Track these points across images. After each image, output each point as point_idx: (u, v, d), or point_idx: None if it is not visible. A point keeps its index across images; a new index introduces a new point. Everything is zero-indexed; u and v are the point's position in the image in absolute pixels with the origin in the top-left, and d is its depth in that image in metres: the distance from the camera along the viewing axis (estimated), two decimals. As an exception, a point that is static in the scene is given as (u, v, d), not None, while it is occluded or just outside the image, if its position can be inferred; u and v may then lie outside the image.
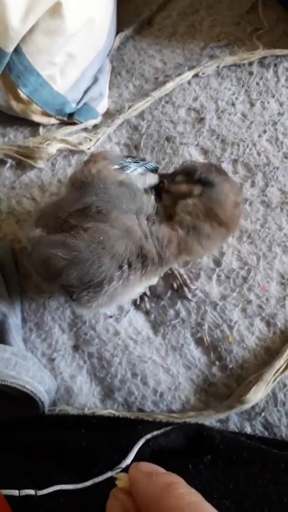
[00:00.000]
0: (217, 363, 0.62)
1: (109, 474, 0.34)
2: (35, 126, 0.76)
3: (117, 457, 0.37)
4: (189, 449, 0.39)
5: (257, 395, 0.58)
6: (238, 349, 0.61)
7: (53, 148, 0.70)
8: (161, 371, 0.63)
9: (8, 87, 0.71)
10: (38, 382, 0.56)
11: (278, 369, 0.58)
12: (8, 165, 0.73)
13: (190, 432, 0.41)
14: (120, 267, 0.46)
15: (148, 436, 0.38)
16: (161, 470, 0.27)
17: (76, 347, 0.65)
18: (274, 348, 0.60)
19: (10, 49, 0.65)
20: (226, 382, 0.61)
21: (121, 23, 0.80)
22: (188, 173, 0.50)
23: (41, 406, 0.59)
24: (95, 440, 0.43)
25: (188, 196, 0.48)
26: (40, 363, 0.62)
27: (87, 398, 0.63)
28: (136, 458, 0.36)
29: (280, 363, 0.58)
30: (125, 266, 0.46)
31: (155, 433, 0.39)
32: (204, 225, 0.46)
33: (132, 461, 0.35)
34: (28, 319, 0.65)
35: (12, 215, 0.70)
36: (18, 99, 0.72)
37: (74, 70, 0.71)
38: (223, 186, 0.48)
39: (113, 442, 0.40)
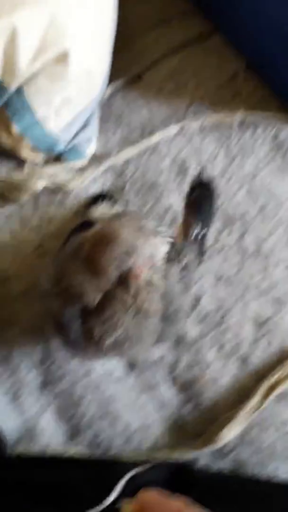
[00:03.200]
0: (190, 402, 0.62)
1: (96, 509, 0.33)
2: (20, 161, 0.78)
3: (96, 494, 0.37)
4: (171, 486, 0.39)
5: (230, 433, 0.59)
6: (212, 388, 0.62)
7: (38, 184, 0.72)
8: (132, 411, 0.63)
9: (1, 120, 0.73)
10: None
11: (251, 409, 0.60)
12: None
13: (172, 469, 0.41)
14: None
15: (131, 473, 0.38)
16: (169, 494, 0.27)
17: (44, 385, 0.64)
18: (247, 387, 0.62)
19: (13, 87, 0.68)
20: (199, 421, 0.62)
21: (112, 74, 0.86)
22: None
23: (4, 446, 0.58)
24: (72, 478, 0.42)
25: None
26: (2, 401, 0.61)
27: (52, 437, 0.62)
28: (120, 495, 0.36)
29: (253, 402, 0.60)
30: None
31: (137, 470, 0.39)
32: None
33: (117, 498, 0.35)
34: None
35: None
36: (9, 134, 0.74)
37: (68, 113, 0.75)
38: None
39: (92, 480, 0.40)
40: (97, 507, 0.34)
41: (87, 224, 0.64)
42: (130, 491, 0.39)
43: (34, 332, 0.66)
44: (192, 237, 0.60)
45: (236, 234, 0.71)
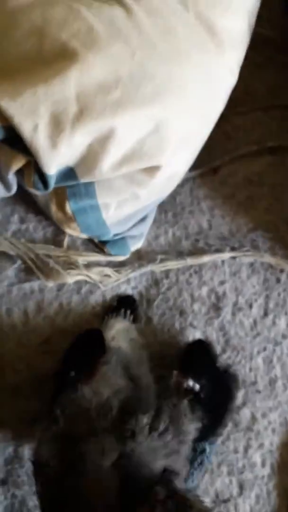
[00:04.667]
0: None
1: None
2: (60, 229, 0.71)
3: None
4: None
5: None
6: None
7: (72, 278, 0.66)
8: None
9: (56, 192, 0.65)
10: None
11: None
12: (16, 265, 0.68)
13: None
14: None
15: None
16: None
17: (3, 483, 0.64)
18: None
19: (85, 181, 0.59)
20: None
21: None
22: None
23: None
24: None
25: None
26: None
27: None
28: None
29: None
30: None
31: None
32: None
33: None
34: None
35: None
36: (61, 208, 0.66)
37: (131, 207, 0.67)
38: None
39: None
40: None
41: (97, 334, 0.62)
42: None
43: (11, 430, 0.65)
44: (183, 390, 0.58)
45: (236, 402, 0.70)
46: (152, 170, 0.59)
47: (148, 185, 0.61)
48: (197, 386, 0.57)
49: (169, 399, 0.53)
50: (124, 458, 0.46)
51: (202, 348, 0.68)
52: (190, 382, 0.56)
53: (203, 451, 0.56)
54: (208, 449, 0.57)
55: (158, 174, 0.59)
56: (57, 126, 0.51)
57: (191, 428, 0.52)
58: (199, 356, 0.66)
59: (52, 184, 0.56)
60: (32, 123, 0.51)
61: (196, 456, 0.55)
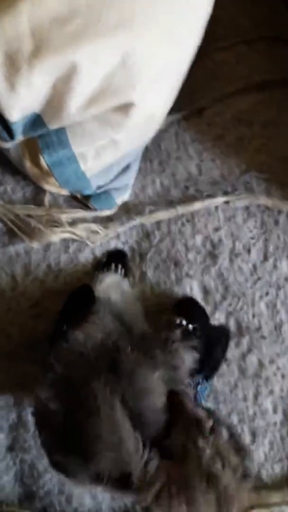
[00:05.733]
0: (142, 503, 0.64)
1: None
2: (40, 188, 0.68)
3: None
4: None
5: None
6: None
7: (56, 237, 0.63)
8: (88, 495, 0.64)
9: (28, 146, 0.61)
10: None
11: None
12: (-3, 228, 0.65)
13: None
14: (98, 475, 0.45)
15: None
16: None
17: (10, 449, 0.63)
18: None
19: (54, 127, 0.56)
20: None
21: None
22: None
23: None
24: None
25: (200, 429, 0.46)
26: None
27: (8, 496, 0.63)
28: None
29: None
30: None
31: None
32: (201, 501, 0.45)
33: None
34: None
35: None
36: (36, 163, 0.63)
37: (110, 156, 0.63)
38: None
39: None
40: None
41: (86, 289, 0.60)
42: None
43: (11, 396, 0.63)
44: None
45: (241, 349, 0.68)
46: (125, 108, 0.55)
47: (123, 127, 0.57)
48: (190, 326, 0.54)
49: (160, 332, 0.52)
50: (126, 392, 0.46)
51: (194, 301, 0.66)
52: (183, 321, 0.54)
53: (197, 384, 0.54)
54: (202, 385, 0.55)
55: (133, 112, 0.55)
56: (12, 65, 0.47)
57: (186, 355, 0.50)
58: (192, 305, 0.63)
59: (18, 132, 0.53)
60: (-16, 65, 0.48)
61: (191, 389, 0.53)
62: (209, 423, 0.46)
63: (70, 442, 0.46)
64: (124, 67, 0.51)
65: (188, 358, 0.49)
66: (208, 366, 0.57)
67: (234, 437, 0.46)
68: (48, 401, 0.48)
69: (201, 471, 0.43)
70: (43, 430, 0.50)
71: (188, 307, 0.62)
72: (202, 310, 0.64)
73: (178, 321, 0.55)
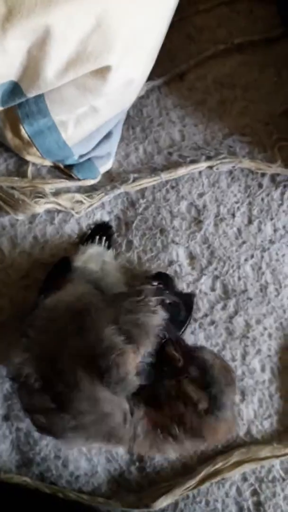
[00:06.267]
0: (137, 463, 0.67)
1: None
2: (23, 159, 0.67)
3: None
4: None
5: (164, 502, 0.65)
6: (159, 457, 0.67)
7: (41, 208, 0.63)
8: (83, 458, 0.66)
9: (8, 117, 0.61)
10: None
11: (187, 488, 0.66)
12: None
13: None
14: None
15: None
16: None
17: (6, 418, 0.65)
18: (190, 464, 0.67)
19: (32, 95, 0.55)
20: (139, 482, 0.67)
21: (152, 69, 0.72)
22: (202, 369, 0.50)
23: None
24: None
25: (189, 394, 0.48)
26: None
27: (5, 464, 0.65)
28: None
29: (190, 483, 0.65)
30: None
31: None
32: (186, 440, 0.47)
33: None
34: None
35: None
36: (17, 134, 0.62)
37: (91, 124, 0.63)
38: (227, 413, 0.49)
39: None
40: None
41: (65, 260, 0.61)
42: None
43: (4, 366, 0.64)
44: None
45: (228, 312, 0.69)
46: (102, 72, 0.54)
47: (102, 93, 0.57)
48: (163, 287, 0.56)
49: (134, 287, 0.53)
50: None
51: (167, 274, 0.67)
52: (158, 284, 0.55)
53: None
54: None
55: (110, 77, 0.55)
56: (-16, 30, 0.46)
57: (158, 308, 0.51)
58: (165, 275, 0.65)
59: (-5, 102, 0.52)
60: None
61: None
62: (180, 363, 0.47)
63: (50, 403, 0.48)
64: (99, 30, 0.50)
65: (160, 312, 0.50)
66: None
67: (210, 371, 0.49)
68: (22, 365, 0.50)
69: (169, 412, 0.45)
70: (21, 393, 0.52)
71: (162, 276, 0.63)
72: (173, 281, 0.66)
73: (153, 283, 0.56)
